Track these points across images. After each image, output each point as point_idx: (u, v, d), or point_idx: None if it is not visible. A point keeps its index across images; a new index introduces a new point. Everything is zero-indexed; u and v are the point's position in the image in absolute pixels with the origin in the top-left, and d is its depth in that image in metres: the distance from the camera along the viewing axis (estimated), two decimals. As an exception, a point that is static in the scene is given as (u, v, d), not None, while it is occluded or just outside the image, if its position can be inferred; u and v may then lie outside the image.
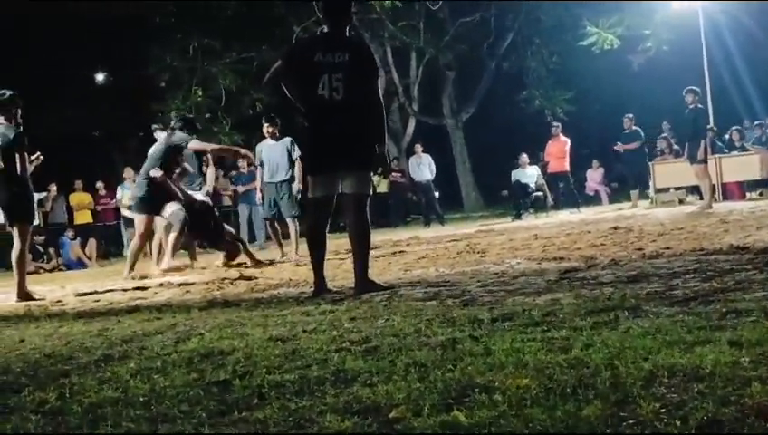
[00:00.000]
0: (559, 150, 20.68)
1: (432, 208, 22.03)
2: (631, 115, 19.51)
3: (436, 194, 22.31)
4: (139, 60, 27.31)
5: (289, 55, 6.71)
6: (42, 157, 9.73)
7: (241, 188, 20.33)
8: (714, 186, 16.02)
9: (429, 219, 21.81)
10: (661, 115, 21.01)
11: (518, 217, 19.85)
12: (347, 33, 6.50)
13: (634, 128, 19.49)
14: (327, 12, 6.53)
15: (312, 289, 6.45)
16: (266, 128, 11.99)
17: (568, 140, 20.90)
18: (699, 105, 16.00)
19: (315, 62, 6.30)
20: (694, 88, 15.68)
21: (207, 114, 27.80)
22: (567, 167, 20.94)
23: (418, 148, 22.37)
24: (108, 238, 22.01)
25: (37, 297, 8.70)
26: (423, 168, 21.75)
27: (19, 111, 8.95)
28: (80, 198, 21.21)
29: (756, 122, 21.99)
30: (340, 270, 8.34)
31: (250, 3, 27.38)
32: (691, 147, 15.39)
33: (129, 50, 27.69)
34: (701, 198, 15.83)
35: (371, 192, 6.60)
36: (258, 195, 12.67)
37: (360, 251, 6.40)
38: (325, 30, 6.57)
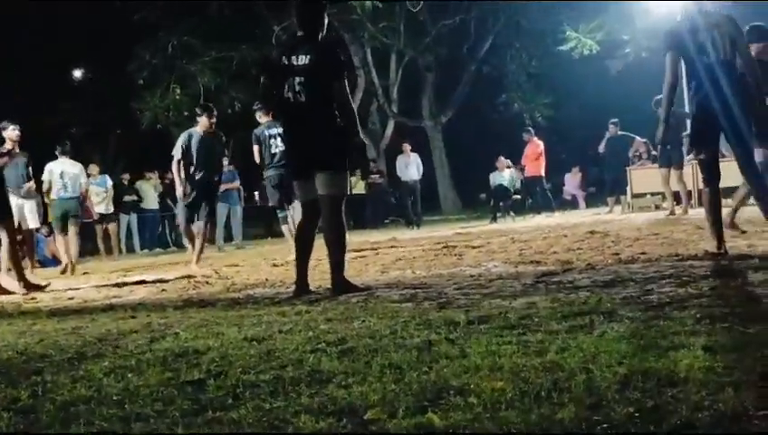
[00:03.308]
0: (532, 153, 20.75)
1: (414, 209, 22.02)
2: (616, 120, 19.47)
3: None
4: (118, 57, 27.20)
5: (263, 64, 6.79)
6: (13, 149, 9.76)
7: (221, 187, 20.26)
8: (687, 192, 16.09)
9: (411, 220, 21.79)
10: (639, 121, 21.05)
11: (494, 219, 19.92)
12: (318, 37, 6.49)
13: (620, 133, 19.44)
14: (299, 17, 6.56)
15: (291, 289, 6.46)
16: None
17: (540, 143, 20.94)
18: (681, 110, 16.12)
19: (281, 66, 6.38)
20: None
21: (186, 112, 27.72)
22: (542, 171, 20.99)
23: (407, 147, 22.17)
24: (83, 236, 21.87)
25: (19, 291, 8.87)
26: (411, 167, 21.64)
27: None
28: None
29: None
30: (316, 271, 8.33)
31: (230, 2, 27.32)
32: (672, 152, 15.48)
33: (108, 47, 27.57)
34: (678, 204, 15.90)
35: (346, 193, 6.58)
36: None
37: (335, 252, 6.41)
38: (298, 33, 6.60)
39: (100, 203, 18.89)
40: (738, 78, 6.62)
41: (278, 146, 11.04)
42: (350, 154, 6.46)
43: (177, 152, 10.58)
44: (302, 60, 6.28)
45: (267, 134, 11.27)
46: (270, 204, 11.92)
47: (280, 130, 10.63)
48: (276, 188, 11.38)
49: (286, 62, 6.34)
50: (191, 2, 26.89)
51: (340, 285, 6.27)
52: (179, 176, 10.65)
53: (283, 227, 11.65)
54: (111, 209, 19.52)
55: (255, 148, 11.46)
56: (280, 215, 11.61)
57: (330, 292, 6.24)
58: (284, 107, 6.44)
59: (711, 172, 6.77)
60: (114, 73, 28.77)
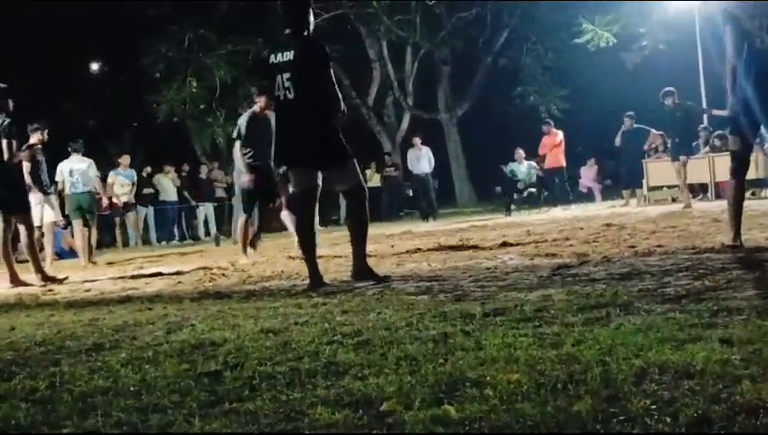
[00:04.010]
0: (550, 144, 20.70)
1: (428, 202, 21.99)
2: (632, 113, 19.37)
3: (435, 186, 22.32)
4: (135, 51, 27.25)
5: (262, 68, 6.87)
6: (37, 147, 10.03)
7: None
8: (687, 185, 16.08)
9: (426, 213, 21.76)
10: (656, 114, 21.00)
11: (508, 212, 19.89)
12: (303, 34, 6.55)
13: (636, 126, 19.34)
14: (284, 15, 6.63)
15: (307, 282, 6.47)
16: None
17: (559, 133, 20.87)
18: (689, 103, 16.14)
19: (270, 65, 6.51)
20: (670, 89, 15.66)
21: (202, 106, 27.77)
22: (562, 162, 20.94)
23: (417, 140, 22.08)
24: (101, 228, 22.05)
25: (37, 283, 9.07)
26: (422, 160, 21.57)
27: (10, 103, 9.11)
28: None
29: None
30: (331, 264, 8.35)
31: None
32: (681, 144, 15.54)
33: (124, 41, 27.62)
34: (693, 197, 15.90)
35: (360, 180, 6.63)
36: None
37: (359, 241, 6.52)
38: (285, 32, 6.65)
39: (125, 194, 19.29)
40: None
41: None
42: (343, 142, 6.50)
43: (238, 133, 10.33)
44: (287, 56, 6.40)
45: None
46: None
47: None
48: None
49: (274, 61, 6.47)
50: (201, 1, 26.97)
51: (362, 272, 6.38)
52: (243, 160, 10.34)
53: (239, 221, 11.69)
54: (133, 201, 19.87)
55: (238, 144, 11.53)
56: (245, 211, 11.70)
57: (350, 275, 6.30)
58: (276, 105, 6.56)
59: (741, 163, 6.65)
60: (124, 69, 28.82)
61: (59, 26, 27.69)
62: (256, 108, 10.41)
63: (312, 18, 6.65)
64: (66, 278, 9.45)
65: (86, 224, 13.43)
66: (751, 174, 16.46)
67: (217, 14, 27.46)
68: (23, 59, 26.02)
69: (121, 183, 19.05)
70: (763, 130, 6.80)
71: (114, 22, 27.30)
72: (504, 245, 9.17)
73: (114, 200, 19.15)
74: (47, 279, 9.20)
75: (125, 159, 19.39)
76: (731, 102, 6.62)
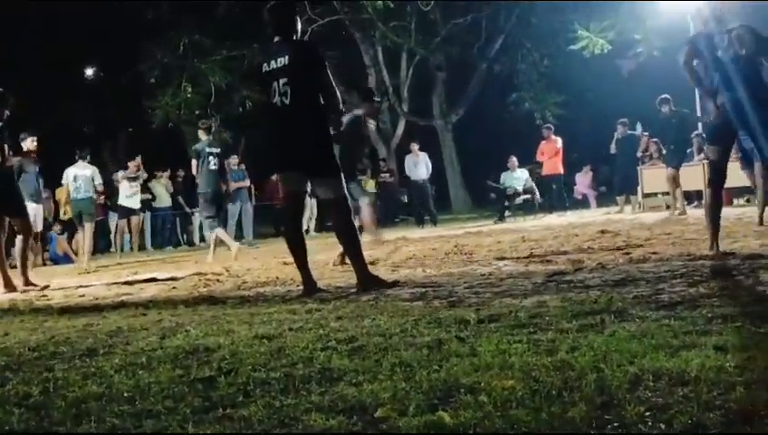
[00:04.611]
0: (550, 150, 20.73)
1: (427, 208, 21.96)
2: (625, 120, 19.40)
3: (433, 192, 22.31)
4: (134, 53, 27.23)
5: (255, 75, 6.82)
6: (29, 155, 10.09)
7: (233, 185, 20.34)
8: (682, 193, 16.11)
9: (423, 220, 21.72)
10: (651, 121, 21.03)
11: (501, 219, 19.90)
12: (293, 39, 6.55)
13: (629, 132, 19.37)
14: (272, 21, 6.59)
15: (302, 288, 6.45)
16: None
17: (559, 140, 20.91)
18: (684, 110, 16.17)
19: (264, 73, 6.45)
20: (666, 97, 15.71)
21: (197, 111, 27.74)
22: (560, 169, 20.97)
23: (414, 146, 21.99)
24: (95, 233, 22.04)
25: (19, 289, 9.08)
26: (420, 166, 21.51)
27: (6, 111, 9.13)
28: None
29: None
30: (326, 269, 8.35)
31: (241, 1, 27.33)
32: (675, 152, 15.56)
33: (123, 43, 27.61)
34: (688, 203, 15.89)
35: (344, 192, 6.57)
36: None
37: (352, 252, 6.46)
38: (275, 39, 6.62)
39: (131, 197, 19.55)
40: (760, 81, 6.47)
41: (216, 164, 12.26)
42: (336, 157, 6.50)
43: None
44: (281, 62, 6.35)
45: (207, 152, 12.29)
46: (205, 214, 12.97)
47: (218, 149, 12.40)
48: (210, 202, 12.48)
49: (267, 68, 6.42)
50: (200, 1, 26.92)
51: (368, 283, 6.30)
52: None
53: (214, 234, 12.58)
54: (139, 205, 20.03)
55: (194, 162, 12.50)
56: (212, 224, 12.51)
57: (357, 287, 6.28)
58: (273, 113, 6.45)
59: (717, 174, 6.73)
60: (119, 73, 28.81)
61: (59, 27, 27.68)
62: (359, 112, 10.04)
63: (299, 25, 6.63)
64: (47, 286, 9.37)
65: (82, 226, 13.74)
66: (745, 181, 16.47)
67: (217, 14, 27.43)
68: (23, 59, 26.01)
69: (130, 185, 19.38)
70: (744, 142, 6.88)
71: (114, 23, 27.28)
72: (499, 251, 9.17)
73: (121, 201, 19.53)
74: (28, 284, 9.24)
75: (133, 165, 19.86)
76: (708, 110, 6.76)
